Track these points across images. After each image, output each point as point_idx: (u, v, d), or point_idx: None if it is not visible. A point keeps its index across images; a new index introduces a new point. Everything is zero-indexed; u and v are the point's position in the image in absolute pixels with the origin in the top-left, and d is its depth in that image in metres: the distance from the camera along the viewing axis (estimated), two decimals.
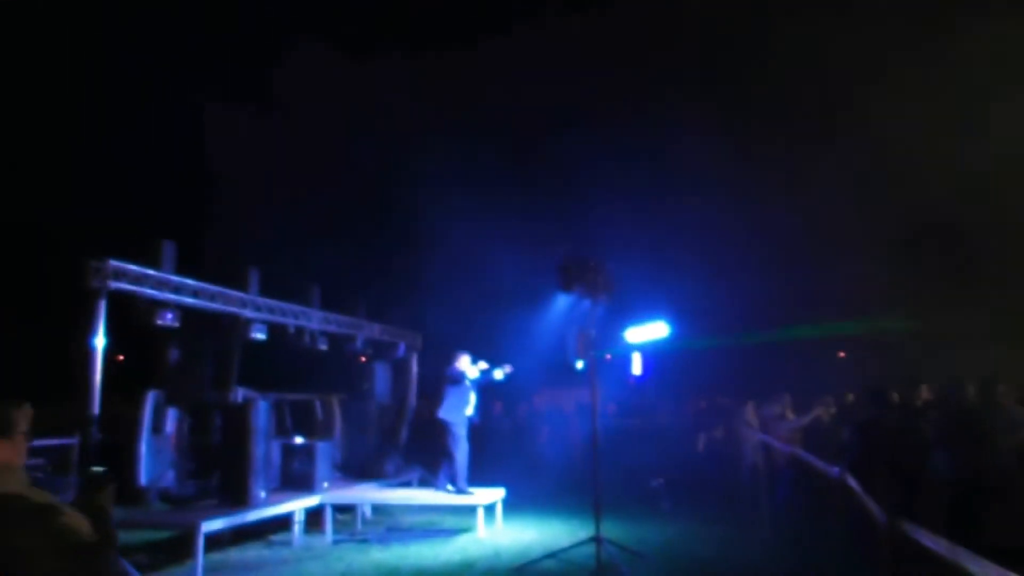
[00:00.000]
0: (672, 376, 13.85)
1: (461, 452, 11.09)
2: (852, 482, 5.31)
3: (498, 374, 11.04)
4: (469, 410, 11.28)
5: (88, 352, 8.85)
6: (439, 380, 11.32)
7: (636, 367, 11.49)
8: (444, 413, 11.10)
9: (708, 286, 15.10)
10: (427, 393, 15.35)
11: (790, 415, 11.62)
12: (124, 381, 12.99)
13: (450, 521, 11.75)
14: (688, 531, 10.60)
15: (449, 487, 11.08)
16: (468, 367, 11.18)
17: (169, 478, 11.27)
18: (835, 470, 6.36)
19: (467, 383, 11.20)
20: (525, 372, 11.36)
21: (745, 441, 12.44)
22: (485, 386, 11.50)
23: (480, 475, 11.60)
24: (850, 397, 12.38)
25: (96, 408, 8.75)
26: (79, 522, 2.64)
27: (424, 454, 14.28)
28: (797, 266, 15.65)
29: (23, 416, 2.76)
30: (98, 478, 2.88)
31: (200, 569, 8.38)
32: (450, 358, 11.33)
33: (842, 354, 17.55)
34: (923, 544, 4.12)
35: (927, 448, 5.01)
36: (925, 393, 10.78)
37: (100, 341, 8.90)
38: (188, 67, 18.71)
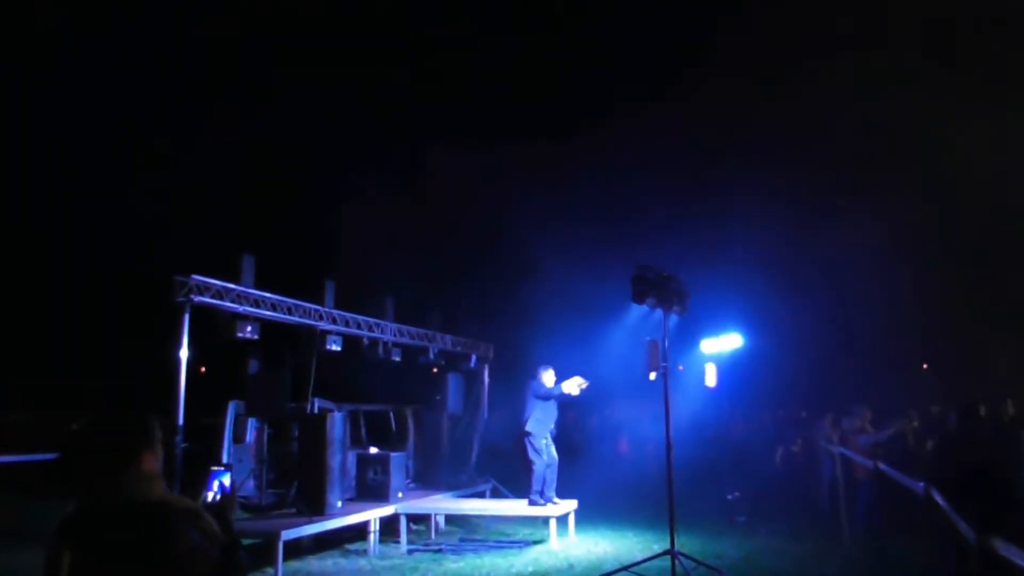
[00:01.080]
0: (748, 388, 13.59)
1: (540, 463, 11.08)
2: (938, 497, 5.12)
3: (574, 390, 10.98)
4: (552, 424, 11.28)
5: (174, 364, 9.16)
6: (524, 393, 11.32)
7: (710, 379, 11.28)
8: (531, 427, 11.10)
9: (784, 296, 14.78)
10: (498, 404, 15.40)
11: (869, 429, 11.26)
12: (207, 392, 13.42)
13: (523, 532, 11.74)
14: (766, 546, 10.35)
15: (539, 499, 11.06)
16: (551, 380, 11.17)
17: (249, 487, 11.57)
18: (920, 485, 6.14)
19: (553, 399, 11.19)
20: (598, 383, 11.27)
21: (824, 454, 12.11)
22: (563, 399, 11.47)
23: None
24: (935, 411, 11.95)
25: (181, 418, 9.03)
26: (213, 525, 2.76)
27: (496, 464, 14.33)
28: (877, 277, 15.22)
29: (160, 426, 2.89)
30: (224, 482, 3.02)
31: None
32: (534, 372, 11.35)
33: (925, 367, 16.97)
34: (1015, 562, 3.95)
35: (1019, 464, 4.79)
36: (1011, 408, 10.34)
37: (185, 353, 9.20)
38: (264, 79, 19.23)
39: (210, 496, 2.99)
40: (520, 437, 11.25)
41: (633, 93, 17.63)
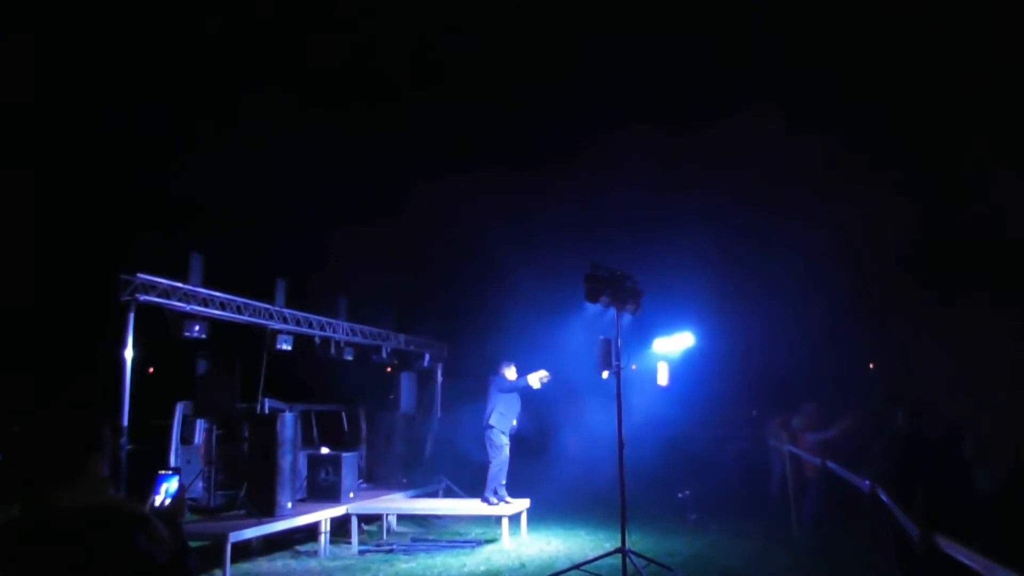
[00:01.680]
0: (700, 387, 13.74)
1: (497, 462, 11.09)
2: (883, 495, 5.23)
3: (535, 383, 11.03)
4: (514, 419, 11.30)
5: (119, 364, 8.96)
6: (486, 389, 11.34)
7: (662, 378, 11.39)
8: (494, 420, 11.11)
9: (735, 295, 14.98)
10: (452, 403, 15.37)
11: (815, 427, 11.50)
12: (155, 393, 13.16)
13: (475, 531, 11.74)
14: (716, 543, 10.50)
15: (492, 498, 11.06)
16: (513, 376, 11.22)
17: (198, 488, 11.38)
18: (866, 483, 6.27)
19: (515, 393, 11.22)
20: (554, 381, 11.32)
21: (773, 453, 12.31)
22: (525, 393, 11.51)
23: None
24: (880, 410, 12.20)
25: (126, 419, 8.84)
26: (163, 531, 2.69)
27: (449, 464, 14.30)
28: (825, 276, 15.52)
29: (107, 429, 2.81)
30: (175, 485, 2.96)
31: None
32: (496, 368, 11.37)
33: (872, 366, 17.32)
34: (957, 559, 4.05)
35: (968, 465, 4.92)
36: (961, 408, 10.60)
37: (130, 353, 9.00)
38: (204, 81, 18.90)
39: (157, 500, 2.93)
40: (482, 431, 11.27)
41: (591, 96, 17.72)
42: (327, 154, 17.46)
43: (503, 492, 11.19)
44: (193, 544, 9.06)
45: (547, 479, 13.08)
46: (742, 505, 12.40)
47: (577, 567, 8.69)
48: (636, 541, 8.97)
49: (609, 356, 8.97)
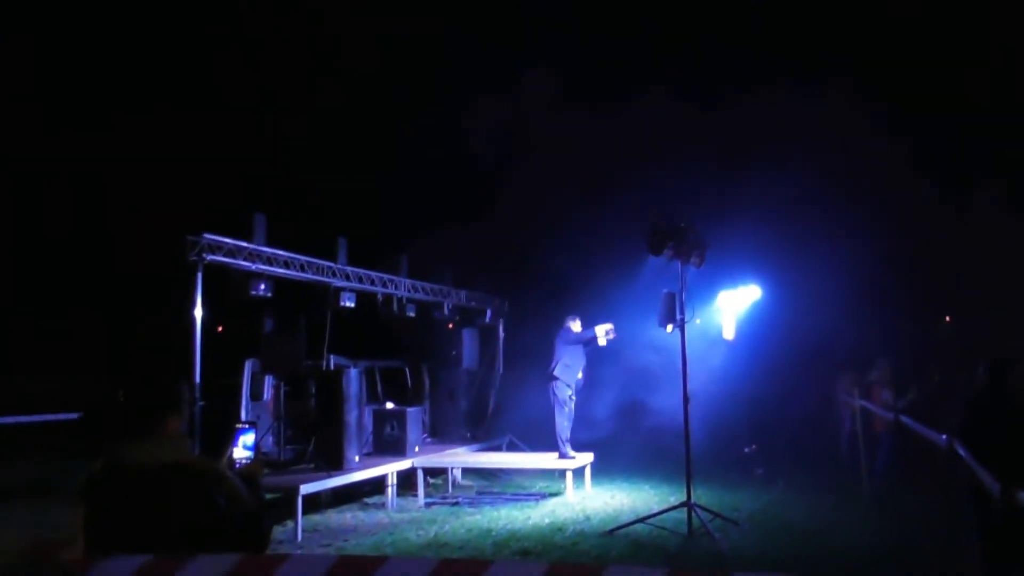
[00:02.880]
0: (767, 341, 13.52)
1: (563, 415, 11.16)
2: (961, 450, 5.09)
3: (602, 338, 11.03)
4: (580, 372, 11.33)
5: (190, 324, 9.20)
6: (552, 342, 11.39)
7: (728, 332, 11.24)
8: (559, 372, 11.17)
9: (803, 246, 14.63)
10: (514, 358, 15.45)
11: (889, 387, 11.29)
12: (224, 352, 13.52)
13: (539, 485, 11.85)
14: (782, 499, 10.41)
15: (569, 451, 11.16)
16: (578, 329, 11.24)
17: (268, 443, 11.71)
18: (943, 437, 6.12)
19: (581, 346, 11.25)
20: (615, 338, 11.27)
21: (843, 408, 12.11)
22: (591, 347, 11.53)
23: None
24: (956, 369, 11.86)
25: (198, 377, 9.10)
26: (240, 488, 2.77)
27: (512, 419, 14.43)
28: (896, 227, 15.07)
29: (185, 388, 2.90)
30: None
31: (300, 530, 8.69)
32: (562, 322, 11.40)
33: (948, 319, 16.81)
34: None
35: None
36: None
37: (199, 313, 9.24)
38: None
39: (235, 454, 3.00)
40: (546, 383, 11.33)
41: (646, 36, 17.34)
42: (385, 110, 17.50)
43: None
44: (266, 497, 9.38)
45: (613, 433, 13.11)
46: (809, 461, 12.26)
47: (642, 520, 8.73)
48: (701, 495, 8.96)
49: (673, 310, 8.89)
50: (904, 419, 8.93)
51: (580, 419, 11.57)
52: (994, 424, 4.74)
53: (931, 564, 6.58)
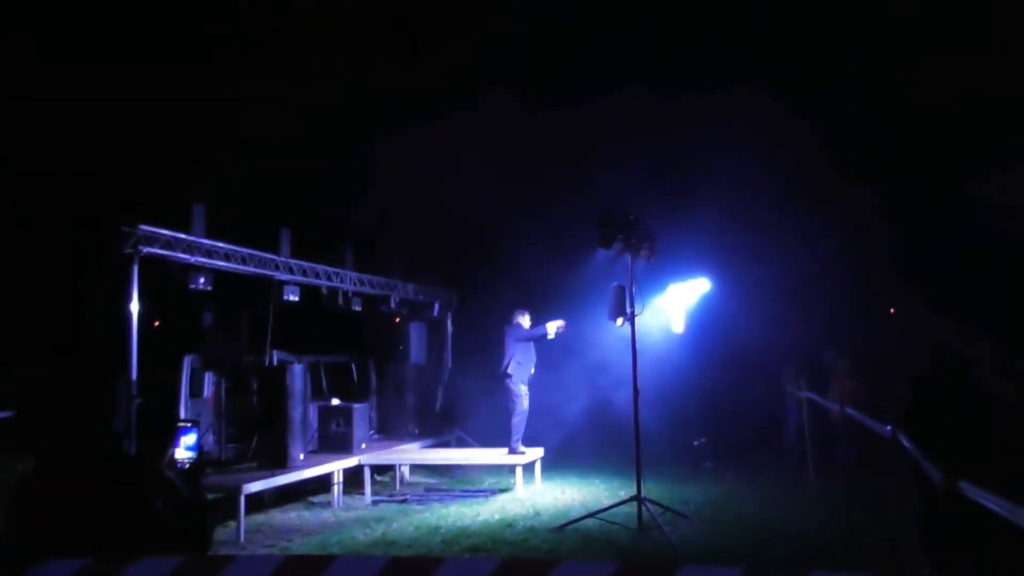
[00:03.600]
0: (715, 333, 13.73)
1: (519, 412, 11.17)
2: (905, 440, 5.24)
3: (551, 333, 11.05)
4: (533, 368, 11.35)
5: (125, 318, 8.99)
6: (502, 338, 11.38)
7: (678, 325, 11.39)
8: (512, 370, 11.17)
9: (752, 240, 14.90)
10: (463, 353, 15.43)
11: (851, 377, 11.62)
12: (161, 347, 13.24)
13: (489, 481, 11.89)
14: (732, 491, 10.59)
15: (519, 447, 11.17)
16: (527, 324, 11.26)
17: (209, 441, 11.51)
18: (887, 428, 6.29)
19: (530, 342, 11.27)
20: (565, 331, 11.33)
21: (790, 399, 12.37)
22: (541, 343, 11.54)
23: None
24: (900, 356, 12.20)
25: (135, 373, 8.90)
26: (180, 488, 2.71)
27: (460, 414, 14.42)
28: (845, 220, 15.42)
29: (121, 384, 2.82)
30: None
31: (243, 530, 8.56)
32: (510, 318, 11.40)
33: (892, 311, 17.27)
34: (981, 503, 4.06)
35: (988, 407, 4.91)
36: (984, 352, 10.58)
37: (136, 307, 9.03)
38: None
39: (177, 454, 2.95)
40: (499, 381, 11.34)
41: (601, 31, 17.44)
42: (326, 97, 17.30)
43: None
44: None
45: (561, 429, 13.19)
46: (758, 452, 12.50)
47: (592, 515, 8.80)
48: (651, 489, 9.06)
49: (623, 303, 8.95)
50: (849, 411, 9.16)
51: (532, 414, 11.60)
52: (936, 412, 4.88)
53: (877, 552, 6.74)
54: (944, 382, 5.21)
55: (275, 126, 17.36)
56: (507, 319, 11.49)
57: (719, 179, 14.69)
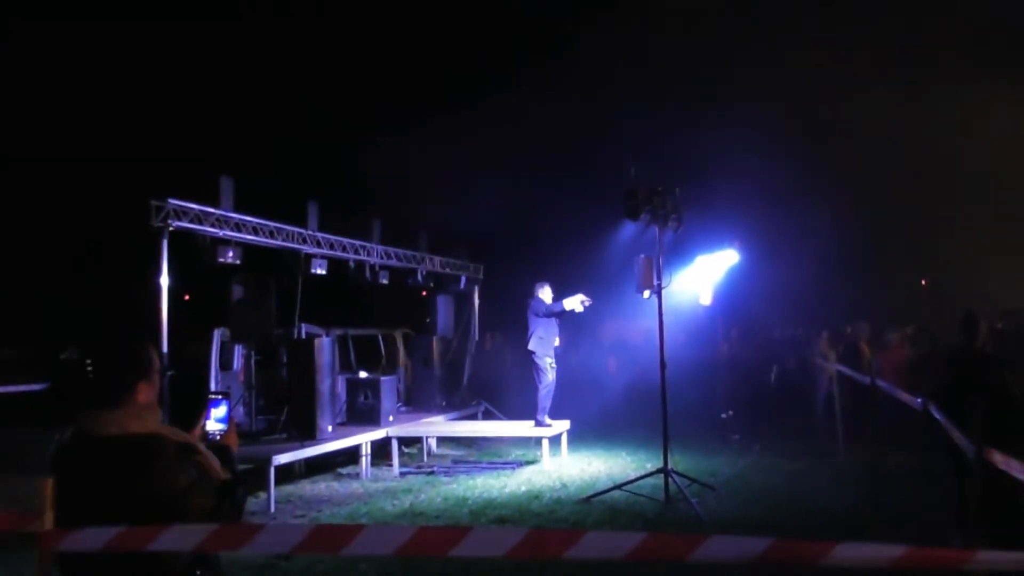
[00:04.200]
0: (743, 305, 13.65)
1: (544, 385, 11.19)
2: (936, 412, 5.19)
3: (577, 307, 11.00)
4: (557, 341, 11.34)
5: (156, 292, 9.10)
6: (524, 313, 11.38)
7: (705, 297, 11.32)
8: (534, 345, 11.17)
9: (781, 211, 14.76)
10: (489, 325, 15.47)
11: (865, 348, 11.48)
12: (192, 320, 13.41)
13: (515, 453, 11.95)
14: (759, 463, 10.56)
15: (545, 420, 11.19)
16: (549, 297, 11.23)
17: (239, 413, 11.66)
18: (918, 400, 6.23)
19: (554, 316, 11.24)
20: (591, 304, 11.28)
21: (819, 371, 12.28)
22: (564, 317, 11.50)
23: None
24: (930, 330, 12.08)
25: (166, 346, 9.03)
26: (213, 460, 2.74)
27: (487, 386, 14.48)
28: (874, 189, 15.19)
29: (155, 355, 2.85)
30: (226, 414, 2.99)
31: (272, 501, 8.70)
32: (531, 291, 11.38)
33: (924, 282, 17.06)
34: (1014, 476, 4.02)
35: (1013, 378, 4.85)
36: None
37: (166, 280, 9.13)
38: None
39: (208, 426, 2.97)
40: (524, 354, 11.36)
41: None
42: (355, 73, 17.27)
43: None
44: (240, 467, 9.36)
45: (588, 401, 13.21)
46: (786, 425, 12.43)
47: (619, 487, 8.82)
48: (678, 461, 9.05)
49: (650, 275, 8.91)
50: (881, 383, 9.07)
51: (559, 387, 11.60)
52: (969, 383, 4.82)
53: (908, 526, 6.71)
54: (978, 353, 5.13)
55: (303, 100, 17.39)
56: (529, 292, 11.46)
57: (748, 147, 14.52)
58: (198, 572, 2.67)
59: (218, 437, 2.94)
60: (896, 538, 2.32)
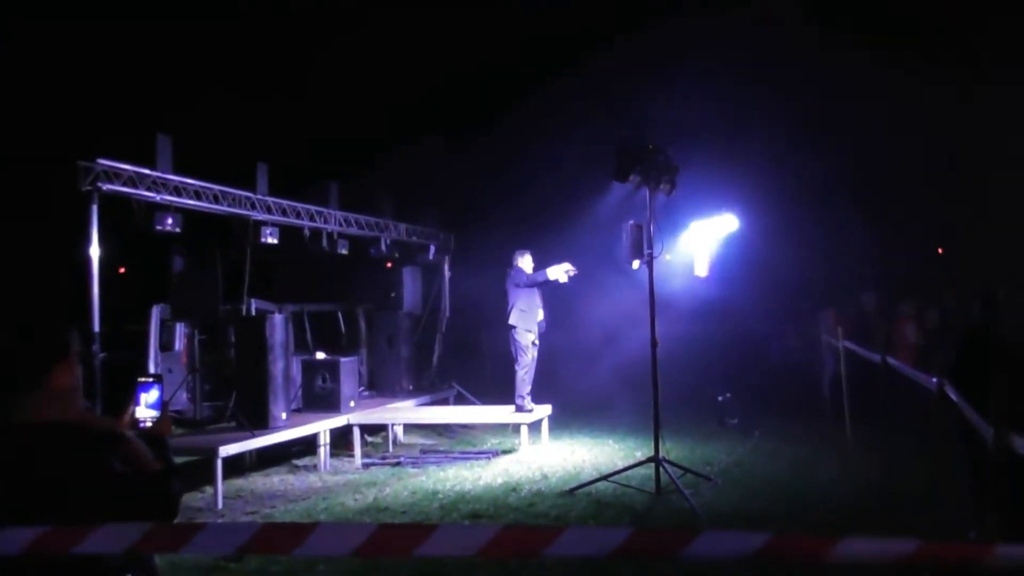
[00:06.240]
0: (743, 277, 13.69)
1: (523, 364, 11.20)
2: (952, 393, 5.24)
3: (562, 276, 11.00)
4: (540, 315, 11.33)
5: (85, 264, 8.98)
6: (504, 283, 11.35)
7: (701, 267, 11.34)
8: (514, 319, 11.17)
9: (785, 173, 14.77)
10: (462, 300, 15.44)
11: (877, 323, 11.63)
12: (128, 296, 13.27)
13: (491, 441, 11.98)
14: (759, 450, 10.66)
15: (526, 404, 11.20)
16: (529, 267, 11.20)
17: (182, 400, 11.60)
18: (933, 380, 6.29)
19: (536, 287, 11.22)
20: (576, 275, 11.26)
21: (826, 349, 12.38)
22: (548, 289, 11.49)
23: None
24: (950, 302, 12.19)
25: (97, 324, 8.92)
26: (143, 449, 2.71)
27: (460, 368, 14.48)
28: (887, 150, 15.24)
29: (75, 336, 2.80)
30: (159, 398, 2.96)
31: (220, 496, 8.68)
32: (510, 260, 11.35)
33: (941, 251, 17.19)
34: None
35: None
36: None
37: (96, 251, 9.00)
38: None
39: (138, 413, 2.93)
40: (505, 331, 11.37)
41: None
42: (308, 20, 17.05)
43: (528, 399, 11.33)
44: (179, 460, 9.30)
45: (571, 383, 13.25)
46: (789, 408, 12.55)
47: (605, 478, 8.87)
48: (670, 449, 9.13)
49: (640, 243, 8.90)
50: (891, 361, 9.16)
51: (540, 367, 11.61)
52: (989, 363, 4.86)
53: (921, 518, 6.80)
54: (998, 331, 5.18)
55: (249, 48, 17.15)
56: (508, 261, 11.43)
57: (746, 103, 14.51)
58: None
59: (149, 425, 2.90)
60: (907, 531, 2.33)
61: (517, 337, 11.20)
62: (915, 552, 2.20)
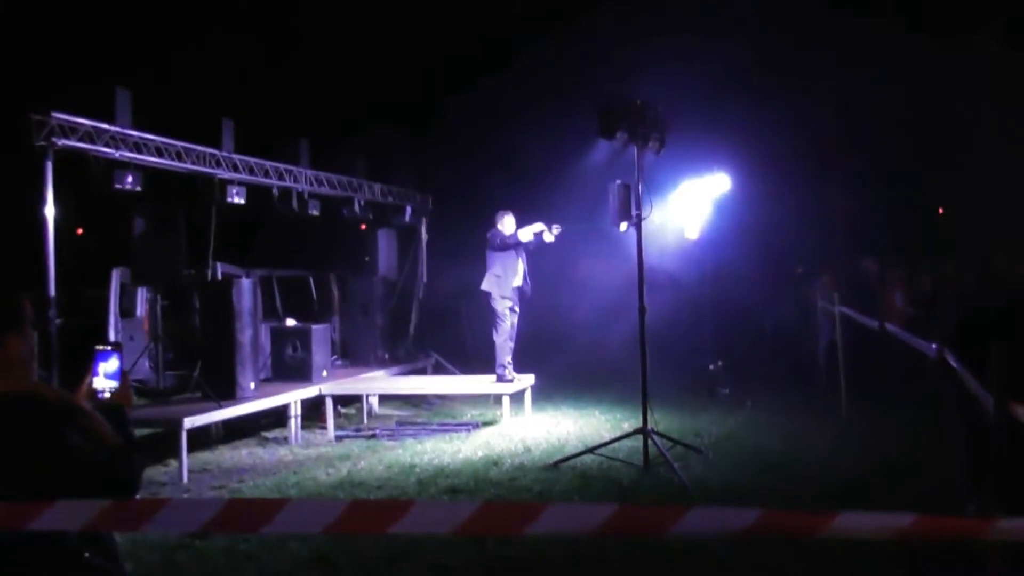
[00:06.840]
0: (735, 240, 13.71)
1: (501, 332, 11.17)
2: (953, 360, 5.27)
3: (547, 236, 10.96)
4: (518, 280, 11.27)
5: (39, 224, 8.89)
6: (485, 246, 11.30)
7: (691, 230, 11.34)
8: (486, 284, 11.13)
9: (780, 130, 14.74)
10: (440, 264, 15.41)
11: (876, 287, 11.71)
12: (87, 258, 13.16)
13: (471, 413, 11.99)
14: (752, 421, 10.73)
15: (507, 373, 11.19)
16: (511, 228, 11.12)
17: (144, 368, 11.55)
18: (932, 347, 6.32)
19: (517, 249, 11.15)
20: (560, 234, 11.23)
21: (822, 315, 12.44)
22: (535, 252, 11.44)
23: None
24: (950, 267, 12.28)
25: (52, 289, 8.85)
26: (101, 422, 2.69)
27: (438, 336, 14.48)
28: (885, 105, 15.23)
29: (29, 304, 2.77)
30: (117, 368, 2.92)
31: (185, 470, 8.65)
32: (491, 220, 11.29)
33: (941, 211, 17.26)
34: None
35: None
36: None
37: (51, 211, 8.91)
38: None
39: (96, 383, 2.90)
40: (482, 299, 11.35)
41: None
42: None
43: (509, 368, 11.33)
44: (141, 432, 9.28)
45: (555, 351, 13.26)
46: (783, 378, 12.63)
47: (591, 451, 8.90)
48: (659, 420, 9.15)
49: (628, 204, 8.88)
50: (891, 327, 9.22)
51: (521, 335, 11.60)
52: (989, 330, 4.89)
53: (918, 491, 6.87)
54: (997, 296, 5.21)
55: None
56: (488, 222, 11.37)
57: (739, 54, 14.44)
58: (87, 554, 2.64)
59: (108, 396, 2.87)
60: (904, 505, 2.35)
61: (493, 304, 11.17)
62: (911, 527, 2.22)
